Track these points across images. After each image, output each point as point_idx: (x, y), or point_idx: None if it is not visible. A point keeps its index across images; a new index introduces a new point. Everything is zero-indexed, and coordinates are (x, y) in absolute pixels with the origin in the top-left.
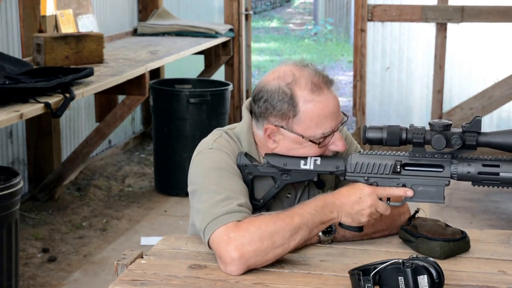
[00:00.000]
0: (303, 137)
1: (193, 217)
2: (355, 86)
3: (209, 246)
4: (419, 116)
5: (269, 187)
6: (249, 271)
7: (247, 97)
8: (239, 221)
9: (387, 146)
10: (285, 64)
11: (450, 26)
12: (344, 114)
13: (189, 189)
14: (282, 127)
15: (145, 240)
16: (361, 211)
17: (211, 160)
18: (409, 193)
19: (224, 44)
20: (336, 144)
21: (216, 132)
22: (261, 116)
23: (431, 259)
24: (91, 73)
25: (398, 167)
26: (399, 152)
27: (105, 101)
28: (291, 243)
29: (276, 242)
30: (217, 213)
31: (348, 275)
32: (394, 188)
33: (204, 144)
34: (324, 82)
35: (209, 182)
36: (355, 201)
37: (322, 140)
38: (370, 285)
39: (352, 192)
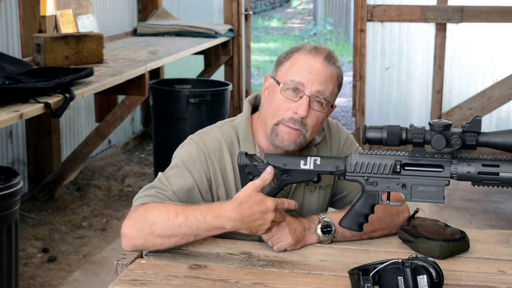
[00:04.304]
0: (277, 81)
1: None
2: (354, 86)
3: None
4: (419, 116)
5: (269, 187)
6: (250, 271)
7: (246, 97)
8: (146, 203)
9: (387, 146)
10: None
11: (450, 27)
12: (332, 104)
13: None
14: (272, 77)
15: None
16: (261, 225)
17: (181, 152)
18: (296, 206)
19: (224, 44)
20: (297, 107)
21: (209, 126)
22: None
23: (431, 259)
24: (91, 73)
25: (398, 167)
26: (399, 152)
27: (105, 101)
28: (172, 239)
29: (155, 232)
30: (144, 193)
31: (348, 275)
32: (290, 201)
33: (189, 137)
34: (323, 52)
35: (165, 169)
36: (258, 218)
37: (288, 90)
38: (369, 285)
39: (255, 207)
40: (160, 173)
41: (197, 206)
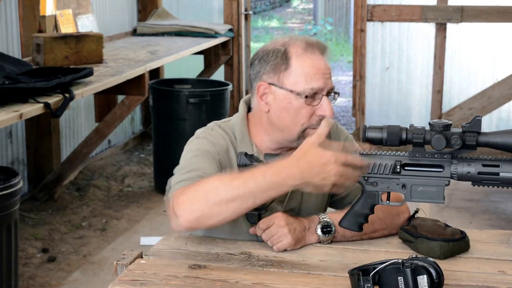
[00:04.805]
0: (291, 91)
1: None
2: (354, 86)
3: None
4: (419, 116)
5: None
6: (249, 271)
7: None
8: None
9: (387, 146)
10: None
11: (450, 26)
12: (337, 92)
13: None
14: (274, 85)
15: (144, 240)
16: (324, 179)
17: (192, 145)
18: (364, 163)
19: (224, 44)
20: (323, 109)
21: (209, 125)
22: (255, 79)
23: (431, 259)
24: (90, 73)
25: (398, 167)
26: (399, 152)
27: (105, 101)
28: (230, 205)
29: (211, 199)
30: (178, 179)
31: (348, 275)
32: (354, 156)
33: (194, 136)
34: (317, 46)
35: (183, 161)
36: (319, 171)
37: (310, 98)
38: (369, 285)
39: (314, 160)
40: (178, 167)
41: (254, 167)
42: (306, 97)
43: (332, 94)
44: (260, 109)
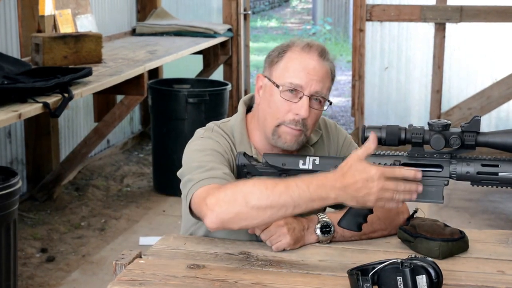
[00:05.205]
0: (273, 83)
1: (183, 206)
2: (353, 86)
3: (191, 212)
4: (418, 116)
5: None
6: (248, 271)
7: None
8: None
9: (386, 146)
10: None
11: (449, 26)
12: (329, 101)
13: (178, 173)
14: (266, 77)
15: (143, 240)
16: (367, 195)
17: (197, 145)
18: (419, 174)
19: (223, 44)
20: (298, 108)
21: (208, 126)
22: (263, 68)
23: (430, 259)
24: (89, 73)
25: None
26: (398, 152)
27: (104, 101)
28: (268, 211)
29: (251, 202)
30: (201, 177)
31: (347, 275)
32: (403, 169)
33: (195, 136)
34: (316, 48)
35: (194, 161)
36: (362, 187)
37: (288, 92)
38: (368, 285)
39: (357, 175)
40: (186, 167)
41: (293, 178)
42: (279, 87)
43: (319, 98)
44: (256, 102)
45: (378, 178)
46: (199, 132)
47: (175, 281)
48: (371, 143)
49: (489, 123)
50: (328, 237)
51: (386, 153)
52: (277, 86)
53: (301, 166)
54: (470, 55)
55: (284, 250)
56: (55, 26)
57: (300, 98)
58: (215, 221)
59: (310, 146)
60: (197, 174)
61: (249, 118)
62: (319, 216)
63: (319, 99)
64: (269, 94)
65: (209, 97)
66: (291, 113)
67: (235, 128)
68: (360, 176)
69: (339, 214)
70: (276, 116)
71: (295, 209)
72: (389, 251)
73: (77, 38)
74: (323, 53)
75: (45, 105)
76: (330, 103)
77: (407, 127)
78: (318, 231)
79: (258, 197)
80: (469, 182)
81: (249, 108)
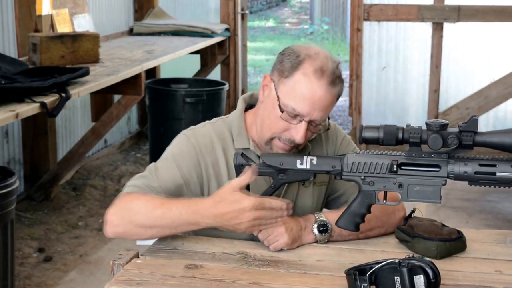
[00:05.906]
0: (278, 99)
1: None
2: (351, 86)
3: None
4: (415, 116)
5: (266, 184)
6: (246, 271)
7: None
8: (131, 193)
9: (384, 145)
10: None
11: (446, 26)
12: (328, 123)
13: None
14: (273, 82)
15: (141, 240)
16: (238, 224)
17: (173, 147)
18: (284, 206)
19: (220, 44)
20: (296, 132)
21: (201, 123)
22: (273, 68)
23: (427, 259)
24: (87, 73)
25: (395, 166)
26: (395, 152)
27: (101, 100)
28: (149, 230)
29: (134, 221)
30: (134, 183)
31: (344, 275)
32: (272, 200)
33: (188, 128)
34: (328, 75)
35: (157, 162)
36: (233, 217)
37: (289, 115)
38: (366, 285)
39: (229, 206)
40: (152, 164)
41: (178, 200)
42: (283, 112)
43: (316, 124)
44: (260, 99)
45: (249, 209)
46: (186, 129)
47: (173, 281)
48: (247, 176)
49: (486, 122)
50: (325, 236)
51: (384, 153)
52: (279, 105)
53: (298, 166)
54: (468, 54)
55: (281, 250)
56: (52, 26)
57: (300, 121)
58: (110, 232)
59: (308, 142)
60: (141, 174)
61: (249, 114)
62: (316, 215)
63: (317, 124)
64: (272, 105)
65: (206, 96)
66: (288, 133)
67: (233, 123)
68: (232, 207)
69: (336, 214)
70: (272, 130)
71: (176, 230)
72: (387, 251)
73: (75, 37)
74: (334, 81)
75: (42, 104)
76: (327, 129)
77: (404, 127)
78: (315, 231)
79: (140, 218)
80: (467, 182)
81: (247, 107)
